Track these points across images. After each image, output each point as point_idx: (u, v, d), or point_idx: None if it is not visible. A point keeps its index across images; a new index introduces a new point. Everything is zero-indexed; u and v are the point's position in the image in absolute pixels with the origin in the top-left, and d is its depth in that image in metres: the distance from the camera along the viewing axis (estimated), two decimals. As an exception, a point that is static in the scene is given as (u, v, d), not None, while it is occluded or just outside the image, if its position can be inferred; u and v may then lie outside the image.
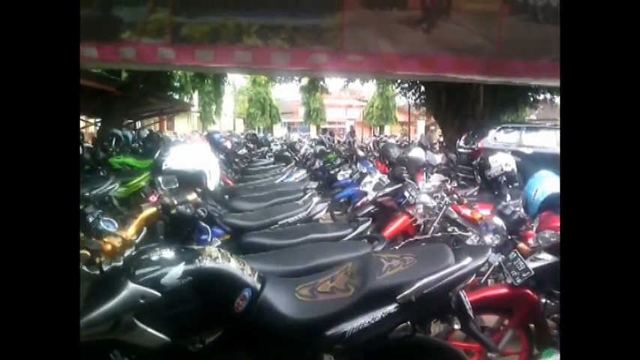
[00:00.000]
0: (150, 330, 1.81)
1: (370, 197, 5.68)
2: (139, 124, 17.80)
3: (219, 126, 31.33)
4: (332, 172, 8.98)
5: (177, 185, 2.66)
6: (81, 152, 8.30)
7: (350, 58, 2.11)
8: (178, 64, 2.12)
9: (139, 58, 2.09)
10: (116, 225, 1.99)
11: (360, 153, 9.20)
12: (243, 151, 12.44)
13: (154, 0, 2.06)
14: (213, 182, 3.56)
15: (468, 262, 1.81)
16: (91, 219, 4.29)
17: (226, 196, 4.85)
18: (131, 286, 1.81)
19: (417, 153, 6.10)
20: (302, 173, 7.93)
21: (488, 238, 3.03)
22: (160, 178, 2.68)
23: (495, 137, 9.89)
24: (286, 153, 11.28)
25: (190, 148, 4.15)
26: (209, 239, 3.12)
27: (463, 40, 2.22)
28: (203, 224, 2.95)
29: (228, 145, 10.45)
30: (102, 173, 7.60)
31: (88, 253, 1.78)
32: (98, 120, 14.55)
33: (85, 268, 1.78)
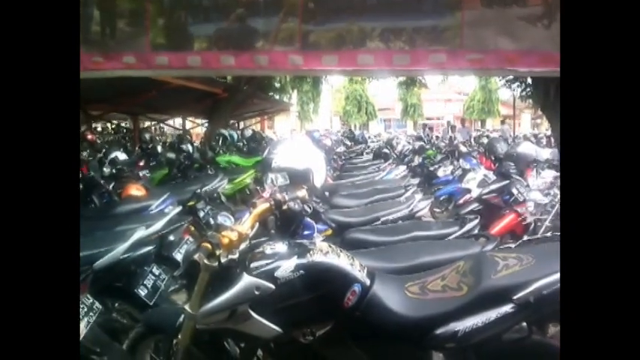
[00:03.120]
0: (263, 321, 1.88)
1: (474, 194, 5.50)
2: (241, 125, 18.60)
3: (316, 124, 31.86)
4: (431, 168, 8.77)
5: (288, 182, 2.76)
6: (191, 151, 8.78)
7: (470, 56, 2.09)
8: (306, 69, 2.23)
9: (272, 64, 2.24)
10: (232, 220, 2.10)
11: (463, 149, 8.88)
12: (341, 148, 12.58)
13: (285, 11, 2.19)
14: (319, 179, 3.64)
15: None
16: (201, 214, 4.58)
17: (326, 193, 4.93)
18: (246, 278, 1.89)
19: (526, 148, 5.77)
20: (402, 170, 7.85)
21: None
22: (271, 175, 2.79)
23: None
24: (385, 150, 11.19)
25: (297, 146, 4.27)
26: (313, 234, 3.19)
27: None
28: (309, 220, 3.02)
29: (328, 142, 10.61)
30: (210, 171, 8.07)
31: (210, 246, 1.88)
32: (205, 121, 15.39)
33: (205, 260, 1.89)
